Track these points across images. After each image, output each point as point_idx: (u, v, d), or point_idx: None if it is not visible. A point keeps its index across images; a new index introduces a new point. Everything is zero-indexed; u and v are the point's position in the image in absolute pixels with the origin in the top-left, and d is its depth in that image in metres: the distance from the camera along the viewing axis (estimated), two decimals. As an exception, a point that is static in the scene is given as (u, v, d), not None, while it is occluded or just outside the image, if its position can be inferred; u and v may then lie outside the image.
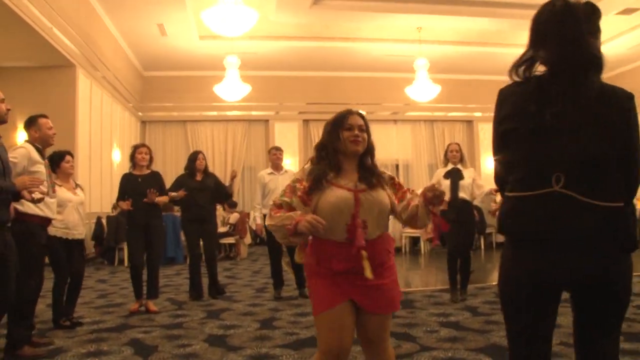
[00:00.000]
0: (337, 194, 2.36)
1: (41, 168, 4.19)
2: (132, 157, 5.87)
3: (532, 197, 1.80)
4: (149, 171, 5.92)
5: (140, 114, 15.61)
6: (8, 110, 3.56)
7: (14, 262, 3.51)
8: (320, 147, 2.51)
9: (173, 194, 6.18)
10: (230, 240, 11.33)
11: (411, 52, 13.29)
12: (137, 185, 5.66)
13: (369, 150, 2.56)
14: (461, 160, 6.24)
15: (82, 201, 5.11)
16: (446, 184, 6.00)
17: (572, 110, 1.75)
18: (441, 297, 6.25)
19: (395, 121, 16.88)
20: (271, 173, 6.60)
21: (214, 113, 16.08)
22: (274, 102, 16.29)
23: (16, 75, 10.12)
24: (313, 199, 2.37)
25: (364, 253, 2.30)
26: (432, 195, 2.34)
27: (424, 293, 6.63)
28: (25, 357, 3.98)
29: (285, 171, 6.64)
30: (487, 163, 16.45)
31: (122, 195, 5.73)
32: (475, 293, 6.42)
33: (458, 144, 6.44)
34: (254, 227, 7.68)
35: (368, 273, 2.31)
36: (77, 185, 5.17)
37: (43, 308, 5.86)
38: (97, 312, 5.67)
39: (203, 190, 6.38)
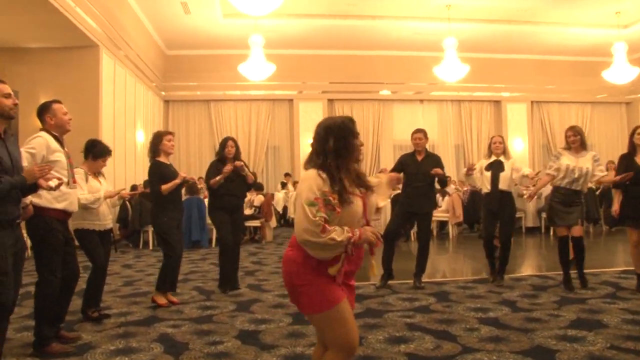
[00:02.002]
0: (356, 202, 2.46)
1: (61, 157, 3.97)
2: (158, 145, 5.56)
3: None
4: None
5: (163, 93, 15.51)
6: (15, 104, 3.27)
7: (23, 261, 3.35)
8: (334, 155, 2.46)
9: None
10: (256, 223, 11.19)
11: (440, 30, 12.92)
12: (174, 172, 5.50)
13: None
14: (504, 152, 6.42)
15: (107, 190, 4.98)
16: (487, 175, 6.33)
17: None
18: (476, 289, 6.01)
19: (421, 101, 16.64)
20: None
21: (238, 92, 15.97)
22: (297, 81, 16.10)
23: (40, 56, 10.08)
24: (341, 210, 2.39)
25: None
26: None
27: (457, 284, 6.40)
28: (54, 354, 3.87)
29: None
30: (515, 144, 16.10)
31: (163, 182, 5.40)
32: (511, 285, 6.19)
33: (501, 137, 6.66)
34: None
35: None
36: (99, 174, 5.01)
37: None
38: (123, 302, 5.55)
39: (234, 178, 6.07)
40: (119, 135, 11.22)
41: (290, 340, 4.16)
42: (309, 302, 2.43)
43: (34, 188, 3.37)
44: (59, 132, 4.08)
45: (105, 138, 10.14)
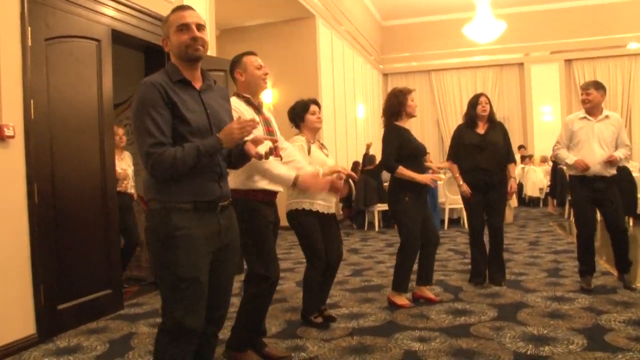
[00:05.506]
0: None
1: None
2: (402, 105, 4.33)
3: None
4: None
5: (381, 66, 14.75)
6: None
7: (233, 264, 2.44)
8: None
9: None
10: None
11: None
12: (419, 145, 4.42)
13: None
14: None
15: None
16: None
17: None
18: None
19: (693, 52, 13.52)
20: (584, 117, 4.74)
21: (459, 60, 14.57)
22: (526, 42, 14.18)
23: (260, 31, 9.99)
24: None
25: None
26: None
27: None
28: None
29: (607, 116, 4.71)
30: None
31: (402, 154, 4.28)
32: None
33: None
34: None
35: None
36: (323, 146, 4.07)
37: (293, 287, 5.09)
38: (354, 299, 4.61)
39: (486, 147, 4.81)
40: (339, 109, 10.66)
41: (597, 376, 2.82)
42: None
43: (243, 156, 2.42)
44: (251, 92, 3.11)
45: (325, 111, 9.60)
